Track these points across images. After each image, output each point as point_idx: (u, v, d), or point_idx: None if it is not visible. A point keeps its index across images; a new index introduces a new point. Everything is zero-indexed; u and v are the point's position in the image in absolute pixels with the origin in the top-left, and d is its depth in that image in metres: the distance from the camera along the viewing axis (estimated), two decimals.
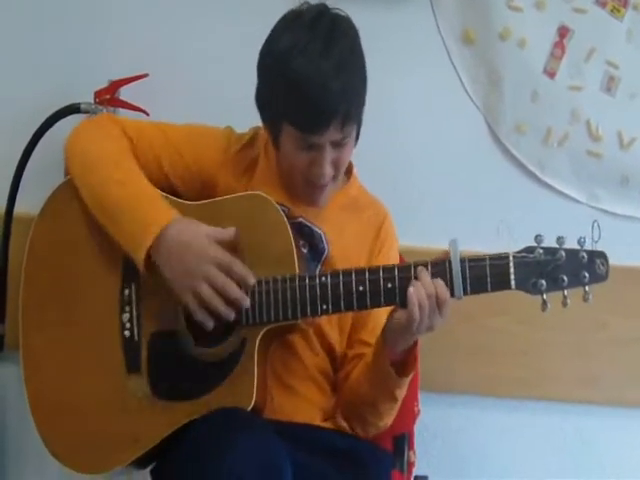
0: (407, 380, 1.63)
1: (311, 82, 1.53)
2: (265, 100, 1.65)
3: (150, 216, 1.60)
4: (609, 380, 2.18)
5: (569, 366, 2.18)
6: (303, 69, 1.54)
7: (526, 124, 2.13)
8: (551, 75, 2.11)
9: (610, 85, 2.11)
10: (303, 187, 1.68)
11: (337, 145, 1.61)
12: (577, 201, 2.15)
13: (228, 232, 1.59)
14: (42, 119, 2.02)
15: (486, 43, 2.11)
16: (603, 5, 2.08)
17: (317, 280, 1.57)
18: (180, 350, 1.63)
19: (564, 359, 2.17)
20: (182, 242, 1.57)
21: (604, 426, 2.21)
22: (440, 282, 1.51)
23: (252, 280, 1.57)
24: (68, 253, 1.74)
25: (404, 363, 1.60)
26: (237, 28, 2.09)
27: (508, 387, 2.19)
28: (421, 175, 2.15)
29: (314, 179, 1.65)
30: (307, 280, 1.57)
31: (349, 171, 1.79)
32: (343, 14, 1.63)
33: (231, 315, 1.57)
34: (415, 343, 1.59)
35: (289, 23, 1.61)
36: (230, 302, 1.57)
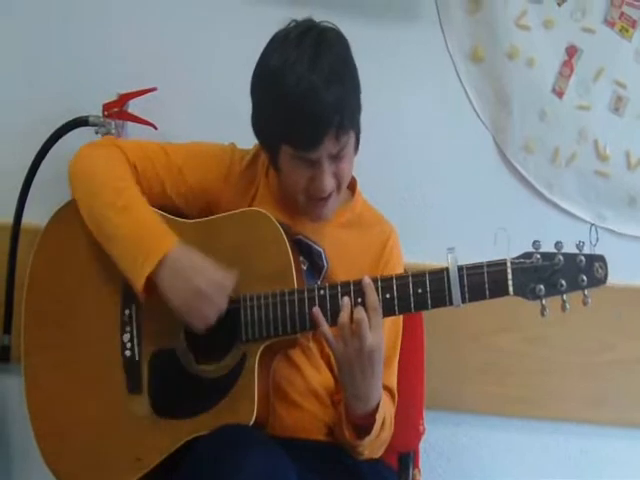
0: (371, 439, 1.60)
1: (302, 97, 1.53)
2: (260, 123, 1.65)
3: (150, 244, 1.60)
4: (615, 401, 2.17)
5: (575, 386, 2.17)
6: (293, 85, 1.53)
7: (534, 143, 2.13)
8: (559, 94, 2.11)
9: (618, 105, 2.11)
10: (306, 203, 1.66)
11: (335, 157, 1.60)
12: (584, 221, 2.14)
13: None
14: (50, 132, 2.03)
15: (494, 61, 2.10)
16: (612, 25, 2.08)
17: (315, 292, 1.56)
18: (181, 368, 1.63)
19: (571, 379, 2.17)
20: (186, 267, 1.58)
21: (610, 447, 2.20)
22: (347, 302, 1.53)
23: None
24: (69, 273, 1.74)
25: (365, 426, 1.60)
26: (246, 41, 2.07)
27: (514, 406, 2.18)
28: (428, 192, 2.15)
29: (316, 193, 1.63)
30: (305, 293, 1.57)
31: (353, 187, 1.78)
32: (331, 26, 1.62)
33: None
34: (376, 406, 1.58)
35: (277, 44, 1.61)
36: None
